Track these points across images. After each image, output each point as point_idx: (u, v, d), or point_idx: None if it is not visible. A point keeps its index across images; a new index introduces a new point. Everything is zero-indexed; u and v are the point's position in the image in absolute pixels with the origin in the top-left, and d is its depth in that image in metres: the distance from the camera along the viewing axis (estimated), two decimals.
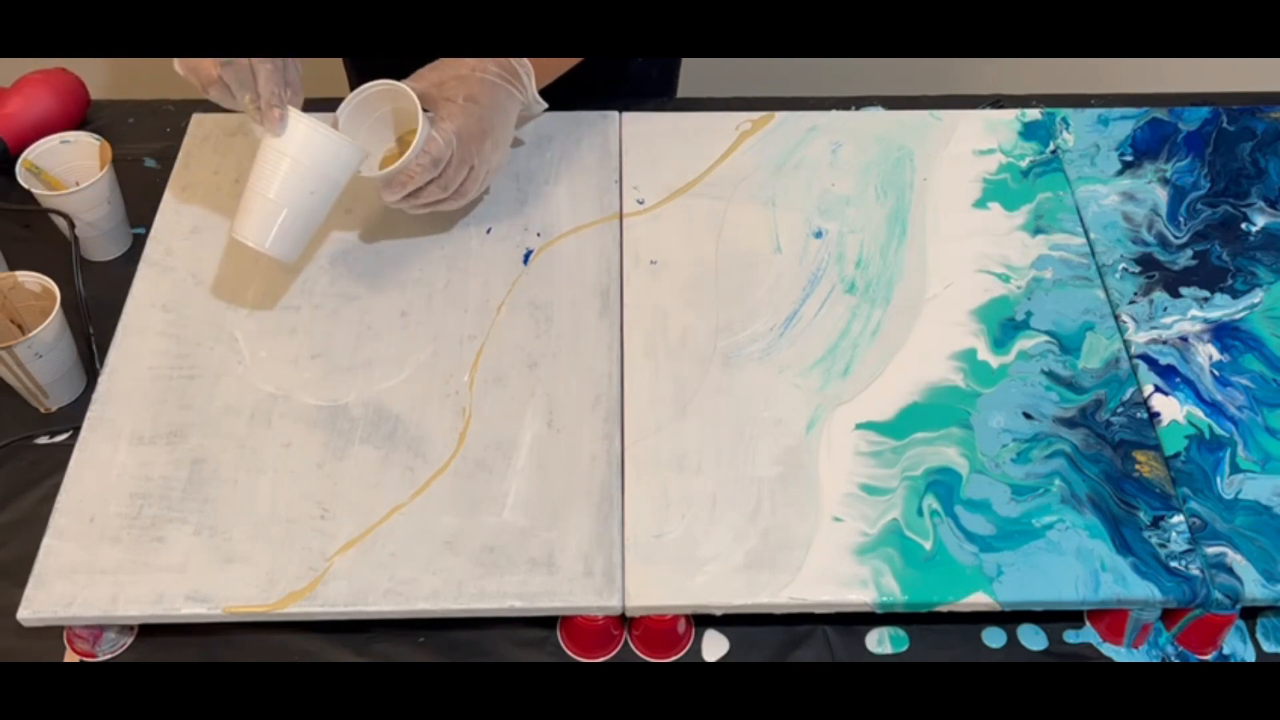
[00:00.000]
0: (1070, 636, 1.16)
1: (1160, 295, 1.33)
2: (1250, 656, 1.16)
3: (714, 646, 1.15)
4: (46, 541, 1.13)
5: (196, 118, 1.50)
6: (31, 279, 1.26)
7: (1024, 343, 1.29)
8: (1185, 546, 1.14)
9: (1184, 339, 1.30)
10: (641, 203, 1.41)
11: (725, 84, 1.78)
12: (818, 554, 1.13)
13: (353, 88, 1.29)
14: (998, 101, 1.57)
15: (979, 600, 1.11)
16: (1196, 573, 1.12)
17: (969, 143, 1.49)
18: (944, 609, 1.11)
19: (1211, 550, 1.14)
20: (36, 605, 1.10)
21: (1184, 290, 1.34)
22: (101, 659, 1.14)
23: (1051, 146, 1.48)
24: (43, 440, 1.26)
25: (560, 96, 1.41)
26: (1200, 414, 1.24)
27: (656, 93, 1.74)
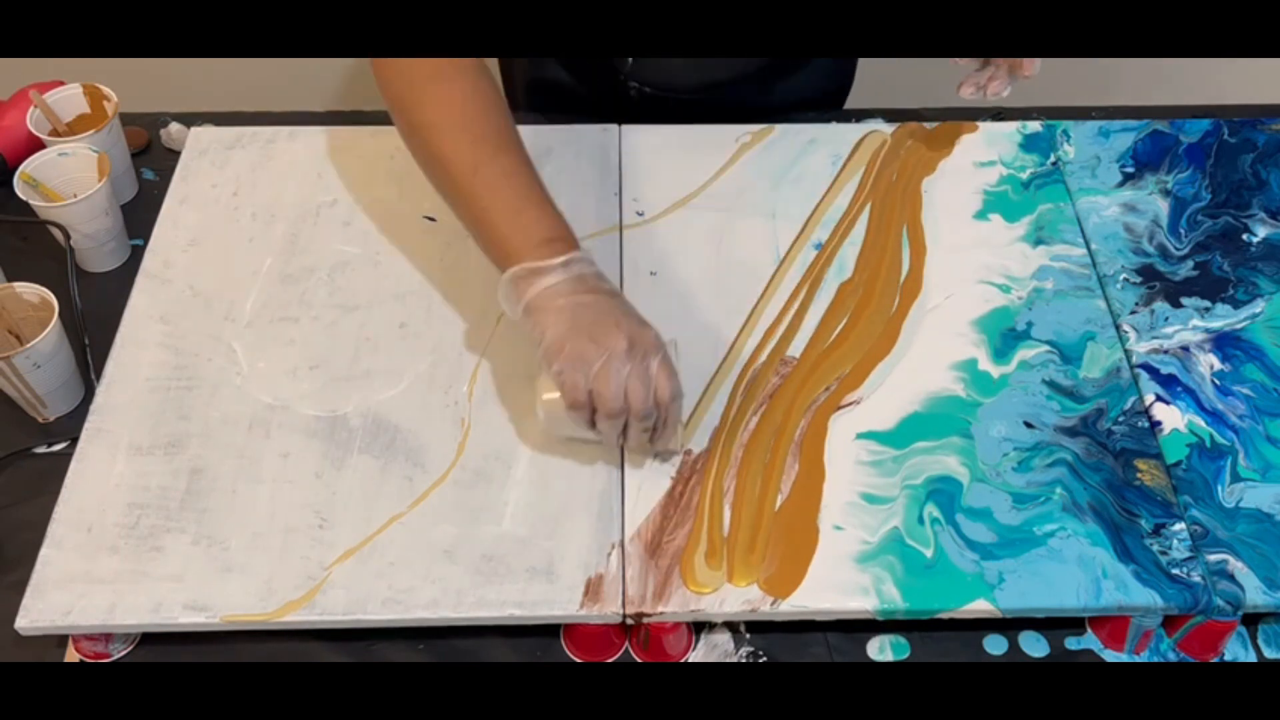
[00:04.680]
0: (1072, 643, 1.15)
1: (1161, 305, 1.33)
2: None
3: (714, 654, 1.15)
4: (44, 551, 1.13)
5: (195, 131, 1.50)
6: (29, 290, 1.26)
7: (1025, 353, 1.28)
8: (1186, 554, 1.14)
9: (1185, 348, 1.29)
10: (641, 214, 1.41)
11: None
12: (819, 562, 1.13)
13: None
14: (998, 114, 1.56)
15: (980, 607, 1.10)
16: (1198, 580, 1.12)
17: (970, 155, 1.49)
18: (945, 616, 1.11)
19: (1213, 557, 1.14)
20: (34, 615, 1.09)
21: (1185, 300, 1.34)
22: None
23: (1052, 158, 1.48)
24: (41, 450, 1.26)
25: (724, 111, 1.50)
26: (1201, 423, 1.23)
27: (828, 105, 1.72)
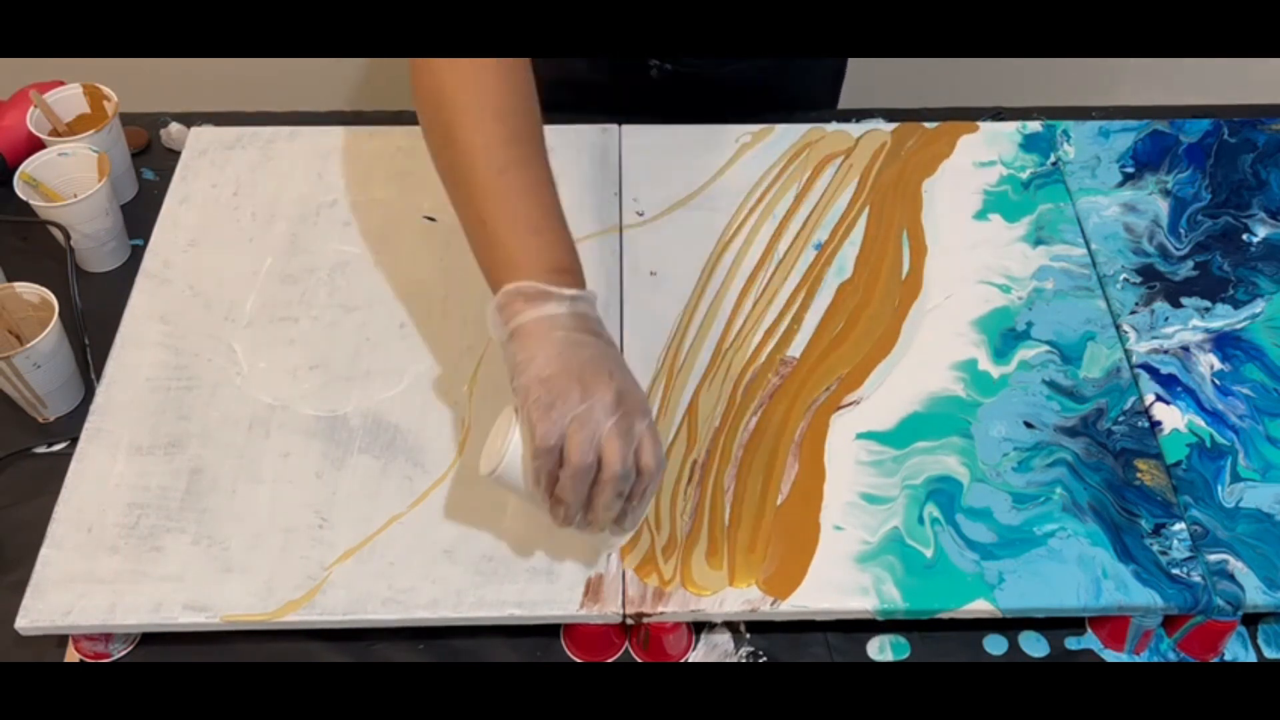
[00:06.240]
0: (1072, 643, 1.15)
1: (1161, 305, 1.33)
2: None
3: (714, 654, 1.15)
4: (45, 551, 1.13)
5: (195, 131, 1.50)
6: (29, 290, 1.26)
7: (1025, 353, 1.28)
8: (1187, 554, 1.14)
9: (1185, 348, 1.29)
10: (641, 214, 1.41)
11: None
12: (819, 562, 1.13)
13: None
14: (998, 113, 1.56)
15: (980, 607, 1.10)
16: (1198, 580, 1.12)
17: (970, 154, 1.49)
18: (945, 616, 1.11)
19: (1213, 557, 1.14)
20: (34, 615, 1.09)
21: (1185, 300, 1.34)
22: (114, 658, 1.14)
23: (1052, 158, 1.48)
24: (41, 450, 1.26)
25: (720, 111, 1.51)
26: (1201, 423, 1.23)
27: (821, 105, 1.71)
